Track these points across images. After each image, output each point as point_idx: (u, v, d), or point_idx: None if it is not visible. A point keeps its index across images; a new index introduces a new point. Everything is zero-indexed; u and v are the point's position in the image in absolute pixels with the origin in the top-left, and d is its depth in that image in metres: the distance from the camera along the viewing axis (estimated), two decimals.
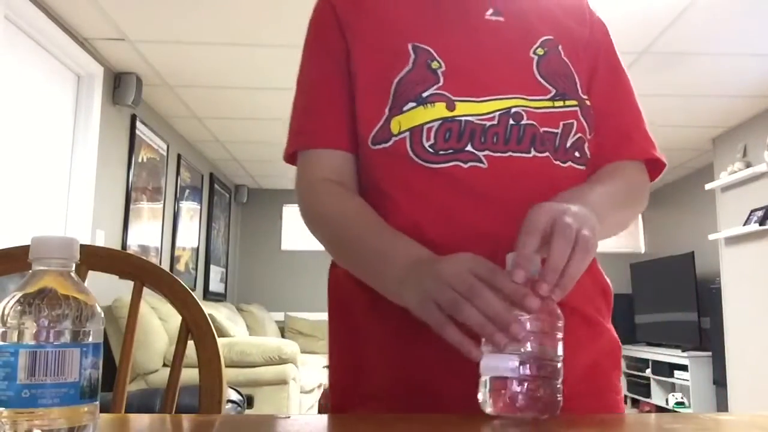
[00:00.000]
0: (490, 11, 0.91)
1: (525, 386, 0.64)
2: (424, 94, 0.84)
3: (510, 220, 0.74)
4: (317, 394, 4.57)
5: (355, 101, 0.89)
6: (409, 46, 0.87)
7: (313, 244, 0.90)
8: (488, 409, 0.65)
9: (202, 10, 2.96)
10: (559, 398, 0.66)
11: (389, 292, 0.77)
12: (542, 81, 0.88)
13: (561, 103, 0.87)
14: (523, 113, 0.85)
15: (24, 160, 2.94)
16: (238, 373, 3.56)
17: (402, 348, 0.82)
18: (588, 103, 0.91)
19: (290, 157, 0.95)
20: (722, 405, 4.82)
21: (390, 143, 0.85)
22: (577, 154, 0.88)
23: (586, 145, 0.89)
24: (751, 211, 4.36)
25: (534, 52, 0.89)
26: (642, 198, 0.95)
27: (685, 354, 5.13)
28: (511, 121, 0.84)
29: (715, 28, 3.09)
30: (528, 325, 0.64)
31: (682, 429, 0.63)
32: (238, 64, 3.59)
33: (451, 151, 0.83)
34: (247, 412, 3.33)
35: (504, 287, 0.65)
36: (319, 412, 3.54)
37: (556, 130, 0.86)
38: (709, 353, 5.07)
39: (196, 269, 5.38)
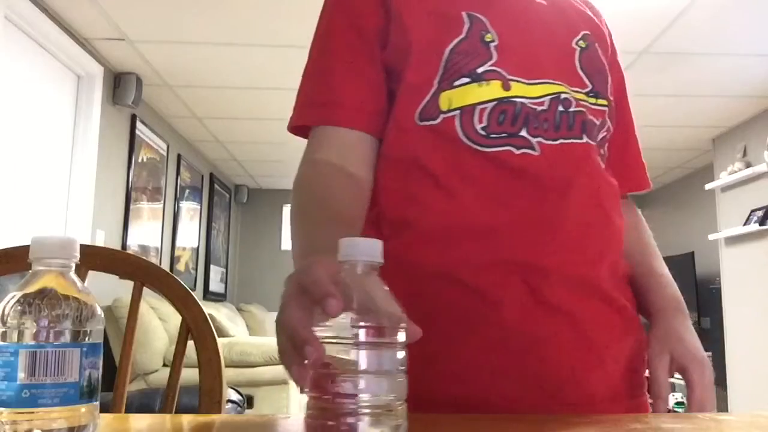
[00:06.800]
0: None
1: None
2: (479, 70, 0.80)
3: (564, 205, 0.77)
4: None
5: (402, 72, 0.83)
6: (464, 14, 0.83)
7: None
8: None
9: (202, 10, 2.95)
10: None
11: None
12: (582, 74, 0.86)
13: (594, 100, 0.86)
14: (572, 100, 0.83)
15: (24, 160, 2.94)
16: (238, 373, 3.56)
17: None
18: (613, 105, 0.90)
19: (296, 129, 0.88)
20: (722, 405, 4.82)
21: (438, 120, 0.80)
22: (602, 151, 0.88)
23: (607, 145, 0.90)
24: (751, 211, 4.35)
25: (576, 44, 0.88)
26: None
27: None
28: (561, 108, 0.82)
29: (715, 28, 3.09)
30: None
31: (682, 429, 0.63)
32: (238, 64, 3.59)
33: (504, 135, 0.79)
34: (247, 412, 3.33)
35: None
36: None
37: (597, 122, 0.86)
38: (709, 353, 5.04)
39: (196, 269, 5.38)
